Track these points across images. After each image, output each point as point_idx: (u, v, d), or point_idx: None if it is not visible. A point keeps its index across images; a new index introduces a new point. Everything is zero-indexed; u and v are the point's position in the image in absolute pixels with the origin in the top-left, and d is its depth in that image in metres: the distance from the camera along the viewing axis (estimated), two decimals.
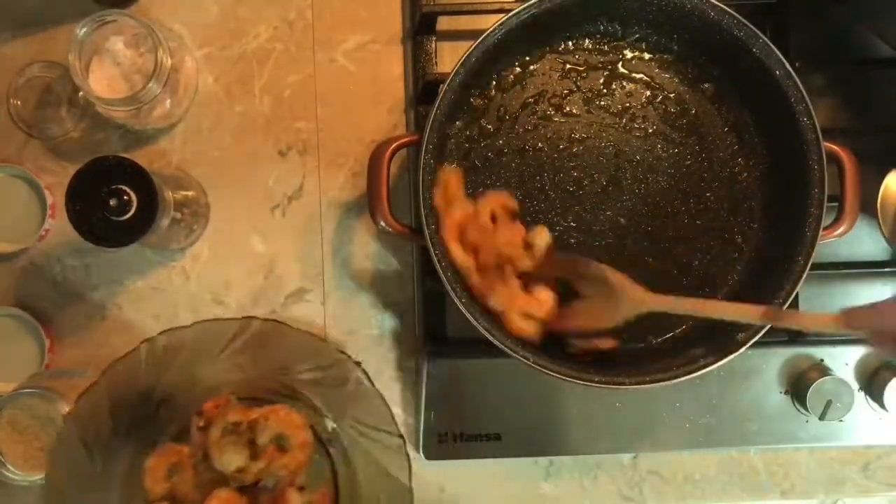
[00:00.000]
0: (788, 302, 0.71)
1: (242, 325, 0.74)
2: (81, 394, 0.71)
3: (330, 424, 0.77)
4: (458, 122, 0.76)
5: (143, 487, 0.72)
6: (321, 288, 0.84)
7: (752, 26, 0.71)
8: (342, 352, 0.74)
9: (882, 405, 0.80)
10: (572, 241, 0.77)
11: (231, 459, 0.70)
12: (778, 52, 0.71)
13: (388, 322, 0.84)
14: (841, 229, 0.73)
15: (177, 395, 0.75)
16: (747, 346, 0.70)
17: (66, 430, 0.71)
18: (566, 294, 0.73)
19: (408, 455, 0.73)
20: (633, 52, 0.78)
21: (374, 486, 0.75)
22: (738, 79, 0.76)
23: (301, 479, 0.74)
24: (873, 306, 0.62)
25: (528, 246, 0.73)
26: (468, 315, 0.69)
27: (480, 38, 0.71)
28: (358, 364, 0.74)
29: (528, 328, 0.71)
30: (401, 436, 0.73)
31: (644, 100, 0.78)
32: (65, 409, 0.75)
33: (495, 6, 0.79)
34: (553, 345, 0.75)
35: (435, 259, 0.70)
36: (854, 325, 0.62)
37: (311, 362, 0.75)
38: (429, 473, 0.83)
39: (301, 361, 0.75)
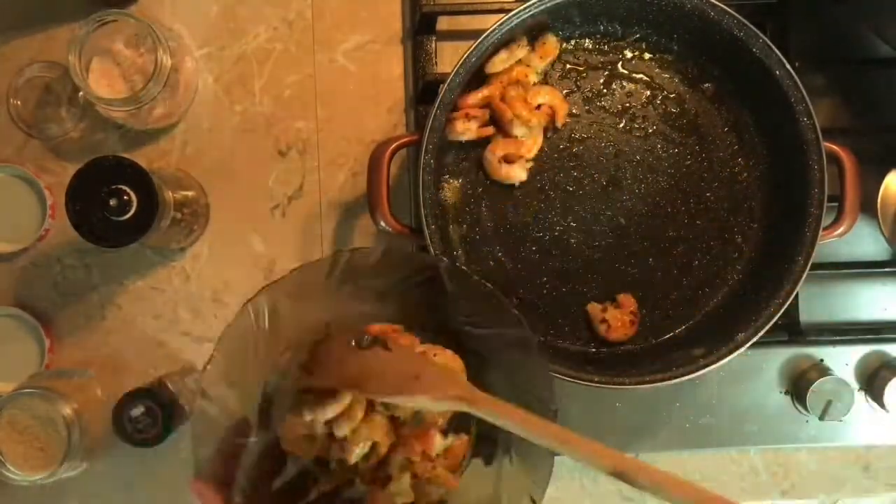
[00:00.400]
0: (788, 302, 0.71)
1: (431, 261, 0.69)
2: (264, 287, 0.65)
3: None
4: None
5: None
6: None
7: (752, 26, 0.71)
8: (517, 313, 0.67)
9: (882, 405, 0.80)
10: (572, 241, 0.77)
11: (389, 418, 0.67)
12: (778, 52, 0.71)
13: None
14: (841, 229, 0.73)
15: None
16: (747, 346, 0.70)
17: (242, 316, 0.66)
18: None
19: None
20: (633, 52, 0.78)
21: (515, 451, 0.72)
22: (738, 79, 0.76)
23: (443, 422, 0.70)
24: None
25: None
26: None
27: (480, 39, 0.71)
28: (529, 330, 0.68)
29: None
30: (555, 411, 0.67)
31: (644, 100, 0.78)
32: (65, 409, 0.75)
33: (495, 6, 0.79)
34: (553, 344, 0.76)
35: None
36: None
37: (482, 313, 0.69)
38: None
39: (472, 310, 0.69)
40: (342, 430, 0.67)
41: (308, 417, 0.66)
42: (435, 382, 0.62)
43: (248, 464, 0.68)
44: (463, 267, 0.69)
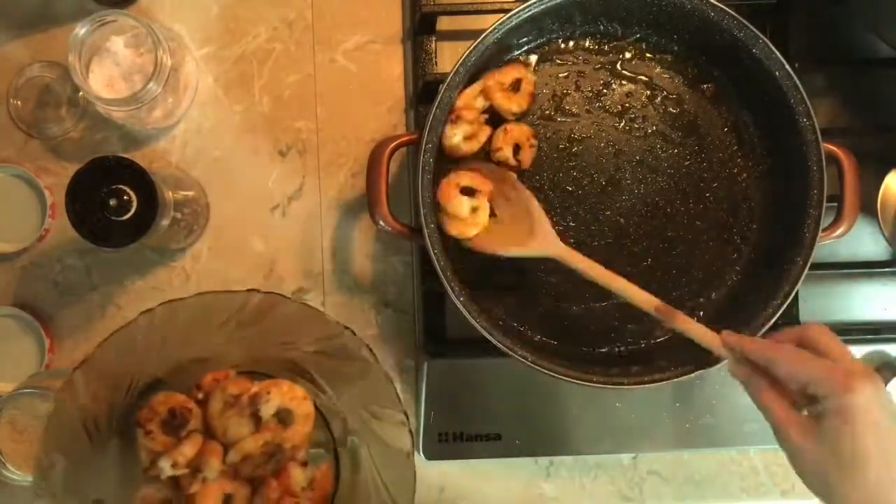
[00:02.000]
0: (788, 302, 0.71)
1: (244, 298, 0.71)
2: (76, 366, 0.68)
3: (332, 400, 0.76)
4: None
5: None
6: (321, 288, 0.84)
7: (752, 27, 0.71)
8: (346, 327, 0.72)
9: None
10: (571, 240, 0.77)
11: (235, 432, 0.70)
12: (778, 53, 0.71)
13: (387, 322, 0.84)
14: (840, 230, 0.73)
15: (175, 374, 0.74)
16: None
17: (60, 401, 0.69)
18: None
19: (411, 433, 0.71)
20: (633, 52, 0.78)
21: (377, 464, 0.74)
22: (738, 79, 0.76)
23: (303, 454, 0.73)
24: (764, 338, 0.65)
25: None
26: (467, 315, 0.69)
27: (480, 38, 0.71)
28: (362, 340, 0.72)
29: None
30: (405, 413, 0.71)
31: (644, 100, 0.78)
32: None
33: (495, 6, 0.79)
34: (552, 345, 0.76)
35: (434, 259, 0.70)
36: (727, 347, 0.66)
37: (314, 335, 0.73)
38: (429, 473, 0.83)
39: (304, 335, 0.73)
40: (194, 487, 0.70)
41: (164, 464, 0.69)
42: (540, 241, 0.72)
43: None
44: (273, 292, 0.71)
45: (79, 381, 0.69)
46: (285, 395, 0.72)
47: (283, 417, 0.72)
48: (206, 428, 0.72)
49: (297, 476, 0.71)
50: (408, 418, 0.71)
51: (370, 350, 0.72)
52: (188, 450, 0.70)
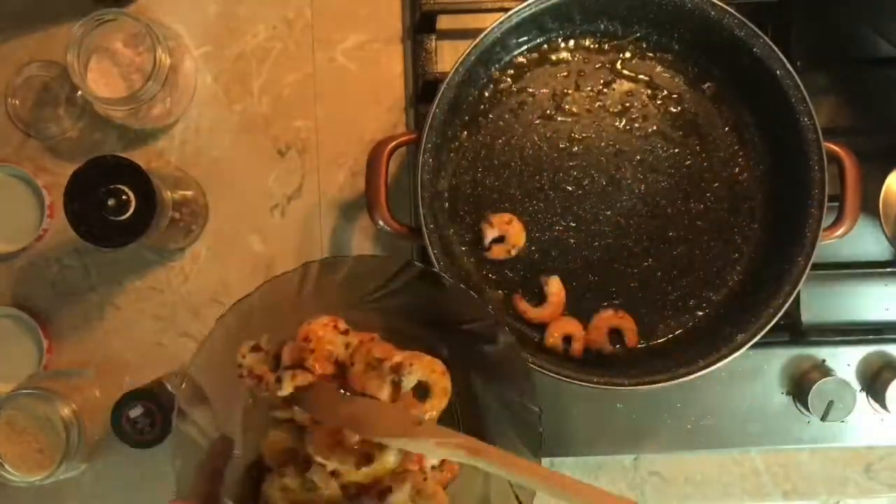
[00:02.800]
0: (788, 302, 0.71)
1: (399, 267, 0.69)
2: (234, 303, 0.67)
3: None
4: (457, 122, 0.76)
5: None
6: None
7: (752, 26, 0.71)
8: (497, 318, 0.69)
9: (884, 406, 0.80)
10: (572, 241, 0.76)
11: (375, 393, 0.67)
12: (778, 52, 0.71)
13: None
14: (841, 230, 0.73)
15: None
16: (747, 346, 0.70)
17: (215, 330, 0.67)
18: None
19: (541, 434, 0.67)
20: (633, 51, 0.77)
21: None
22: (739, 79, 0.76)
23: None
24: None
25: None
26: None
27: (480, 37, 0.71)
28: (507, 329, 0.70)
29: None
30: (539, 409, 0.68)
31: (644, 99, 0.77)
32: (63, 409, 0.75)
33: (495, 5, 0.79)
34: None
35: (434, 259, 0.69)
36: None
37: (462, 318, 0.71)
38: None
39: (452, 315, 0.71)
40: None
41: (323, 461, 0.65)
42: (439, 430, 0.62)
43: (232, 480, 0.67)
44: (436, 270, 0.69)
45: (232, 318, 0.68)
46: (426, 367, 0.69)
47: (422, 391, 0.70)
48: (343, 385, 0.69)
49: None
50: (541, 412, 0.68)
51: (513, 337, 0.69)
52: (309, 377, 0.67)
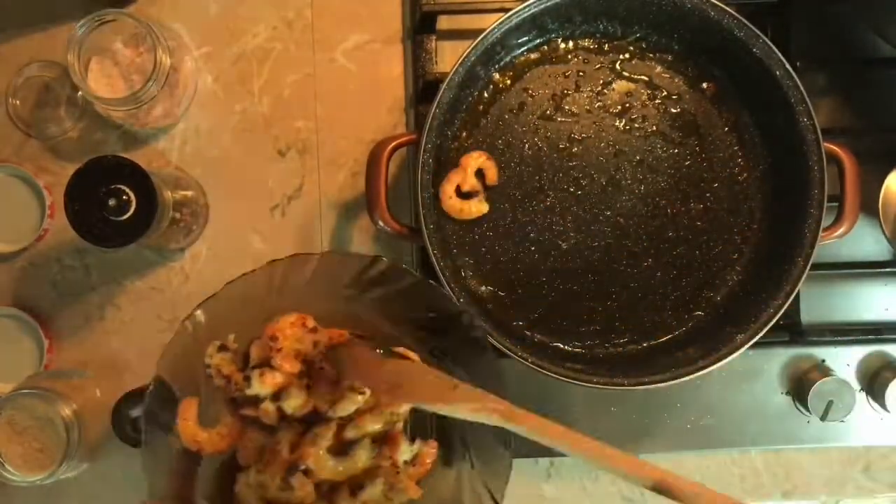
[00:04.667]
0: (788, 302, 0.71)
1: (369, 263, 0.68)
2: (200, 303, 0.67)
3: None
4: (457, 122, 0.76)
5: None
6: None
7: (752, 26, 0.71)
8: (464, 308, 0.69)
9: (883, 406, 0.80)
10: (571, 241, 0.76)
11: (346, 408, 0.67)
12: (778, 52, 0.71)
13: None
14: (841, 230, 0.73)
15: None
16: (747, 346, 0.70)
17: (180, 332, 0.68)
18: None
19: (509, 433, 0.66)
20: (633, 51, 0.77)
21: (472, 452, 0.71)
22: (739, 79, 0.76)
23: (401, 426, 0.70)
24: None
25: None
26: None
27: (480, 38, 0.71)
28: (479, 322, 0.70)
29: None
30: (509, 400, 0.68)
31: (644, 99, 0.77)
32: (64, 409, 0.75)
33: (495, 5, 0.79)
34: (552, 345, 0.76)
35: (434, 259, 0.70)
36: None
37: (430, 311, 0.70)
38: None
39: (420, 309, 0.71)
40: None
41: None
42: (474, 394, 0.61)
43: (205, 480, 0.68)
44: (404, 266, 0.69)
45: (200, 317, 0.68)
46: (384, 417, 0.70)
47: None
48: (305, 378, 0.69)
49: (404, 448, 0.70)
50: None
51: (485, 331, 0.69)
52: (277, 376, 0.68)
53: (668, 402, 0.82)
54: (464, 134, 0.77)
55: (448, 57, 0.82)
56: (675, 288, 0.76)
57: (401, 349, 0.68)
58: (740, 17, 0.71)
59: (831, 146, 0.72)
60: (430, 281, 0.69)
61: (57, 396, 0.75)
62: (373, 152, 0.72)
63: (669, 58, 0.77)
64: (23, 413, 0.77)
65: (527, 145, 0.77)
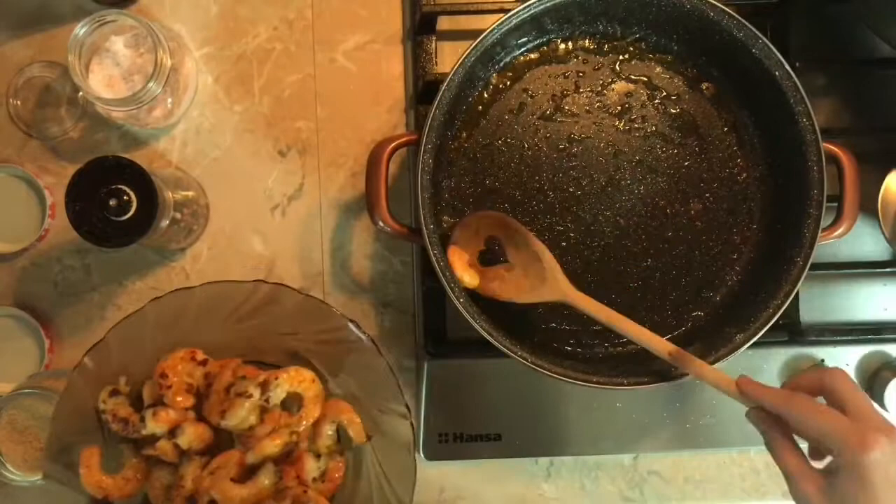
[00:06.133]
0: (787, 302, 0.71)
1: (252, 288, 0.72)
2: (88, 350, 0.70)
3: (335, 391, 0.75)
4: (457, 122, 0.76)
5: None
6: (321, 288, 0.84)
7: (751, 27, 0.71)
8: (350, 319, 0.72)
9: (883, 405, 0.80)
10: (571, 241, 0.77)
11: (237, 414, 0.69)
12: (777, 53, 0.71)
13: (387, 322, 0.84)
14: (840, 230, 0.73)
15: None
16: (746, 346, 0.70)
17: (72, 384, 0.70)
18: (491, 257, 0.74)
19: (412, 425, 0.71)
20: (632, 52, 0.78)
21: (378, 457, 0.74)
22: (738, 79, 0.76)
23: (318, 445, 0.73)
24: (779, 389, 0.62)
25: None
26: (467, 315, 0.69)
27: (480, 38, 0.71)
28: (365, 332, 0.73)
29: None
30: (406, 406, 0.72)
31: (644, 100, 0.77)
32: None
33: (495, 6, 0.79)
34: (552, 345, 0.76)
35: (434, 259, 0.70)
36: (745, 395, 0.63)
37: (319, 327, 0.73)
38: (429, 474, 0.83)
39: (309, 326, 0.74)
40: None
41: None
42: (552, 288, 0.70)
43: None
44: (279, 283, 0.72)
45: (89, 366, 0.70)
46: (293, 379, 0.71)
47: (289, 405, 0.72)
48: (199, 412, 0.72)
49: (311, 466, 0.71)
50: (409, 410, 0.72)
51: (373, 342, 0.72)
52: (170, 412, 0.71)
53: (667, 402, 0.82)
54: (464, 134, 0.77)
55: (448, 57, 0.82)
56: (675, 288, 0.77)
57: (292, 368, 0.71)
58: (740, 18, 0.72)
59: (830, 146, 0.72)
60: (313, 296, 0.72)
61: (58, 396, 0.75)
62: (373, 152, 0.72)
63: (669, 58, 0.78)
64: (24, 413, 0.77)
65: (526, 146, 0.77)
